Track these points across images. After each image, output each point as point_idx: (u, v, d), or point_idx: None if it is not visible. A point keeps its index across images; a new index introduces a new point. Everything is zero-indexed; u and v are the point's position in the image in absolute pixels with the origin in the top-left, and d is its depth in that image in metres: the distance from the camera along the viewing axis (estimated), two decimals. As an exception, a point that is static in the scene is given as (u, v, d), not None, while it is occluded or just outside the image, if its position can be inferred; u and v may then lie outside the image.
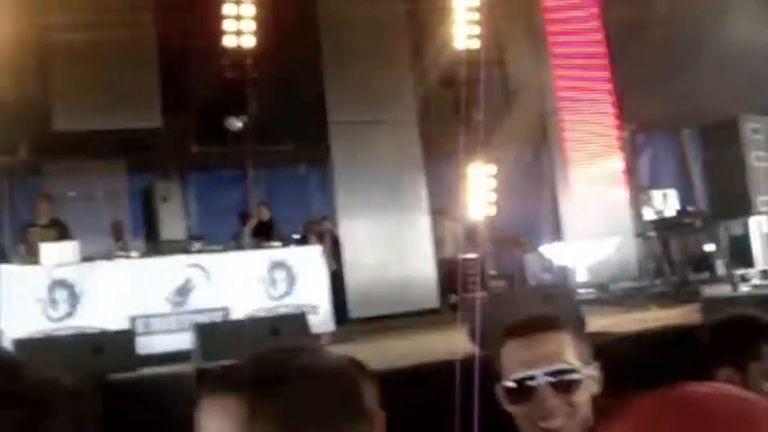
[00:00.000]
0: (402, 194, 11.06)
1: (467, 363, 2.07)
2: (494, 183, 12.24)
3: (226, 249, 9.85)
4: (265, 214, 11.13)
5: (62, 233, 9.66)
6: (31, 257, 8.96)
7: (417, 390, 2.91)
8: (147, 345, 8.50)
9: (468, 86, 10.42)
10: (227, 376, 1.38)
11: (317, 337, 8.55)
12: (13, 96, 9.73)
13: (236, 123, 11.14)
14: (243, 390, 1.34)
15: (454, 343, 2.28)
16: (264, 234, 10.58)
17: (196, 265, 9.23)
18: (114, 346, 6.56)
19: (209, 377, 1.39)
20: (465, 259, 11.80)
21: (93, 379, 5.86)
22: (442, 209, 11.81)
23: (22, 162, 10.97)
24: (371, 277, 10.66)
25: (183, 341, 8.20)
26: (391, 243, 10.92)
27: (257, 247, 10.08)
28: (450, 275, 10.98)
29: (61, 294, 8.69)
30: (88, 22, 9.72)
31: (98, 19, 9.73)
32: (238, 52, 10.99)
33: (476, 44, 11.69)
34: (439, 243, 11.42)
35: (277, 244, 10.06)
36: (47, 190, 10.24)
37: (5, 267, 8.69)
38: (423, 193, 11.36)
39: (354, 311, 10.37)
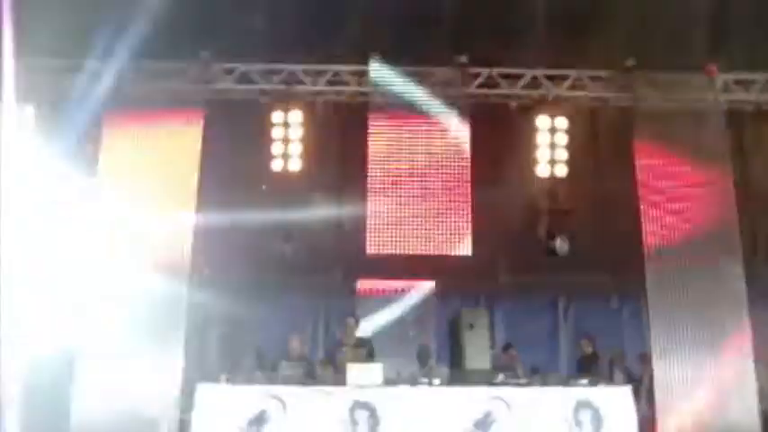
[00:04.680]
0: (723, 337, 10.10)
1: None
2: None
3: (529, 384, 9.52)
4: (588, 347, 10.77)
5: (370, 352, 9.90)
6: (339, 376, 9.23)
7: None
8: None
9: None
10: None
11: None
12: (332, 222, 10.45)
13: (564, 246, 10.90)
14: None
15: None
16: (587, 368, 10.18)
17: (498, 398, 9.01)
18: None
19: None
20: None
21: None
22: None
23: (338, 283, 11.49)
24: (685, 425, 9.75)
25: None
26: (710, 389, 9.95)
27: (562, 383, 9.66)
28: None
29: (362, 415, 8.83)
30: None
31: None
32: (551, 181, 10.91)
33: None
34: (763, 394, 10.27)
35: (584, 382, 9.59)
36: (356, 312, 10.64)
37: (311, 390, 9.03)
38: (747, 337, 10.30)
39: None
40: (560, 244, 10.94)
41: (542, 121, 11.14)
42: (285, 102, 11.11)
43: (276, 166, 11.12)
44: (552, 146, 11.10)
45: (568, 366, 11.69)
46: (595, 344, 11.19)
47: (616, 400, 9.16)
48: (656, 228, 10.30)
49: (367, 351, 9.99)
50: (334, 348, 10.22)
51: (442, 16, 10.70)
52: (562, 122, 11.15)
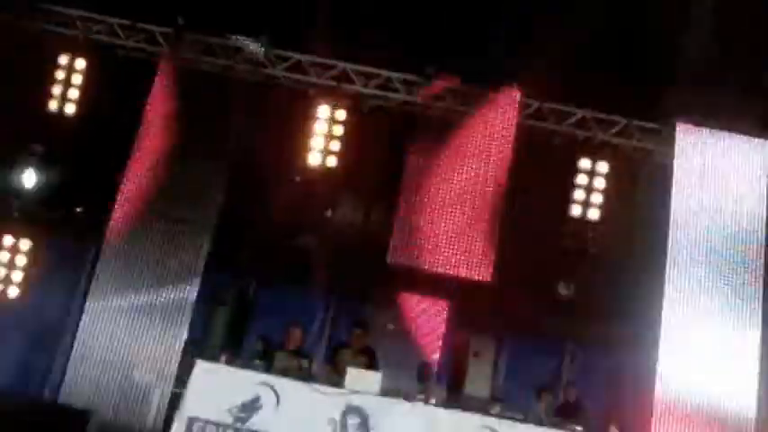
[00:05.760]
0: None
1: None
2: None
3: (526, 420, 9.41)
4: (571, 395, 10.63)
5: (371, 362, 9.85)
6: (334, 377, 9.21)
7: None
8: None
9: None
10: None
11: None
12: (358, 225, 10.54)
13: (564, 291, 10.89)
14: None
15: None
16: (568, 414, 10.03)
17: (490, 429, 8.92)
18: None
19: None
20: None
21: None
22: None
23: (353, 286, 11.49)
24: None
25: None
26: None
27: (557, 425, 9.54)
28: None
29: (353, 421, 8.77)
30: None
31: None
32: (581, 222, 10.92)
33: None
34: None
35: (579, 429, 9.46)
36: (365, 318, 10.63)
37: (307, 386, 8.98)
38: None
39: None
40: (563, 288, 10.89)
41: (584, 162, 11.19)
42: (333, 97, 11.18)
43: (313, 159, 11.18)
44: (588, 188, 11.16)
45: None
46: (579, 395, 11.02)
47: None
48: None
49: (368, 360, 9.92)
50: (337, 348, 10.18)
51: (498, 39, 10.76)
52: (603, 167, 11.21)
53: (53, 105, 11.40)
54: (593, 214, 11.15)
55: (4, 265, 11.58)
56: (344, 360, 9.70)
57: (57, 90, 11.43)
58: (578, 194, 11.20)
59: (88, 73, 11.42)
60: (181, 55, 11.14)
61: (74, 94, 11.45)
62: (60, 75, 11.44)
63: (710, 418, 9.92)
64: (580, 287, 11.11)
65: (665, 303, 10.26)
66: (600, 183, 11.22)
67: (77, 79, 11.44)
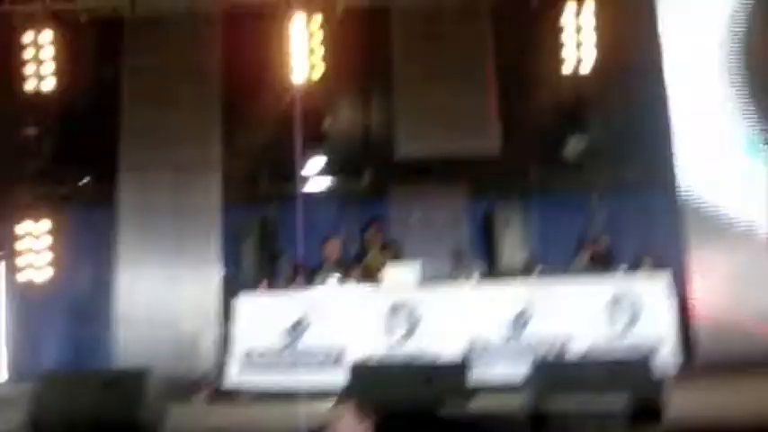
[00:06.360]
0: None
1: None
2: None
3: (565, 277, 9.54)
4: (602, 245, 10.70)
5: (396, 254, 9.96)
6: (366, 278, 9.43)
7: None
8: (482, 371, 8.40)
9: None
10: None
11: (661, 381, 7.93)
12: (359, 124, 10.42)
13: (577, 147, 10.85)
14: None
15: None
16: (602, 264, 10.12)
17: (535, 293, 9.04)
18: (446, 379, 6.51)
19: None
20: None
21: (424, 410, 5.90)
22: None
23: (367, 186, 11.49)
24: (724, 315, 9.74)
25: (519, 371, 7.98)
26: (746, 280, 9.88)
27: (598, 276, 9.65)
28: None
29: (401, 315, 8.92)
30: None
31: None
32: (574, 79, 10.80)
33: None
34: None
35: (619, 273, 9.56)
36: (376, 216, 10.74)
37: (349, 293, 9.17)
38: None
39: (702, 352, 9.51)
40: (572, 145, 10.84)
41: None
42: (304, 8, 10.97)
43: (298, 77, 11.05)
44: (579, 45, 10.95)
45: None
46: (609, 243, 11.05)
47: (653, 290, 9.13)
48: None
49: (393, 253, 10.02)
50: (360, 254, 10.27)
51: None
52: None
53: (30, 85, 11.21)
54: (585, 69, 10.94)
55: (33, 251, 11.64)
56: (370, 262, 9.81)
57: (30, 69, 11.17)
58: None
59: (57, 44, 11.16)
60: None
61: (48, 69, 11.20)
62: (29, 53, 11.15)
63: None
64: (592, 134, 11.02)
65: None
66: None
67: (48, 53, 11.18)
